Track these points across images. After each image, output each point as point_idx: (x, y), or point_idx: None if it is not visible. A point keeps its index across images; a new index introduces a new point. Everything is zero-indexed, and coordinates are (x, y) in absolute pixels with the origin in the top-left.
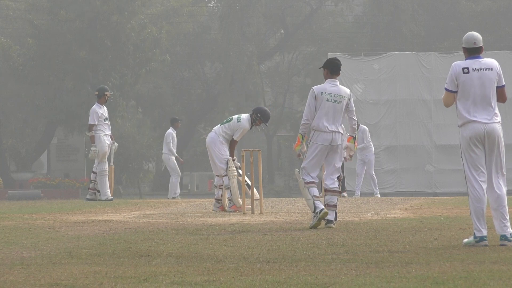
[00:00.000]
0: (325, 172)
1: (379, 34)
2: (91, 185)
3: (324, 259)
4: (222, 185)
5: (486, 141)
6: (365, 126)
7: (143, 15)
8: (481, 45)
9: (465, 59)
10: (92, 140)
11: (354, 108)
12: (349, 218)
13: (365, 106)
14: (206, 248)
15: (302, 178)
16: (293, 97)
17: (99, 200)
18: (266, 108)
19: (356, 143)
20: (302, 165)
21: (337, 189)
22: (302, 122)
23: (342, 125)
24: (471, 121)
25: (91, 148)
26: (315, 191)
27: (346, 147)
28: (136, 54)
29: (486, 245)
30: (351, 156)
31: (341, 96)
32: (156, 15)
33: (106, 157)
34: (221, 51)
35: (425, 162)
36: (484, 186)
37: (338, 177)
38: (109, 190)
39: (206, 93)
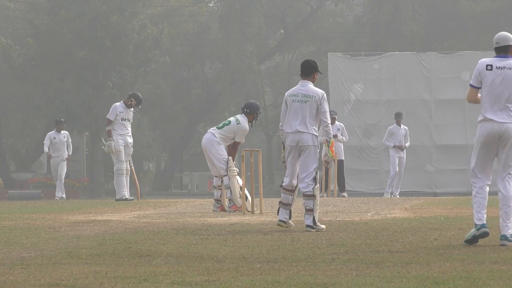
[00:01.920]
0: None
1: (379, 34)
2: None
3: (324, 259)
4: (221, 186)
5: (500, 140)
6: (406, 127)
7: (144, 15)
8: (507, 44)
9: (494, 57)
10: (109, 134)
11: (326, 109)
12: (349, 218)
13: (365, 106)
14: (206, 248)
15: (283, 180)
16: None
17: (119, 199)
18: (253, 101)
19: (332, 148)
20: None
21: (311, 193)
22: (280, 128)
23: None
24: (488, 119)
25: (106, 142)
26: (285, 198)
27: (324, 154)
28: (136, 54)
29: (486, 232)
30: (327, 162)
31: (308, 96)
32: (156, 15)
33: (122, 157)
34: (221, 51)
35: (425, 162)
36: (488, 182)
37: (314, 179)
38: (125, 190)
39: (206, 93)
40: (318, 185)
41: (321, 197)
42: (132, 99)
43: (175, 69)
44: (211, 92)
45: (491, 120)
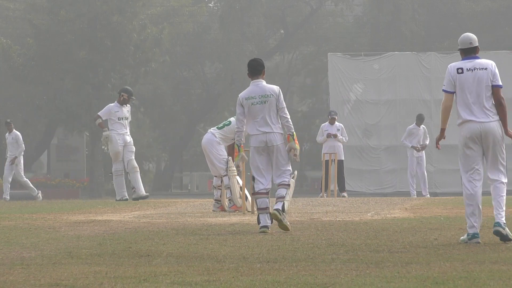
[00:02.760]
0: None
1: (379, 34)
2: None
3: (324, 259)
4: (220, 186)
5: (482, 140)
6: (424, 126)
7: (144, 15)
8: (477, 45)
9: (461, 60)
10: (101, 126)
11: (284, 105)
12: (349, 218)
13: (365, 106)
14: (206, 248)
15: (254, 187)
16: (293, 97)
17: (119, 200)
18: None
19: (296, 141)
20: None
21: (286, 182)
22: (235, 131)
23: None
24: (467, 120)
25: (103, 133)
26: (262, 202)
27: (289, 148)
28: (136, 54)
29: (478, 242)
30: (296, 156)
31: (266, 95)
32: (156, 15)
33: (120, 157)
34: (221, 51)
35: (425, 162)
36: (478, 184)
37: (289, 175)
38: (125, 190)
39: (206, 93)
40: (294, 180)
41: (321, 197)
42: (122, 93)
43: (175, 69)
44: (211, 92)
45: (470, 120)
